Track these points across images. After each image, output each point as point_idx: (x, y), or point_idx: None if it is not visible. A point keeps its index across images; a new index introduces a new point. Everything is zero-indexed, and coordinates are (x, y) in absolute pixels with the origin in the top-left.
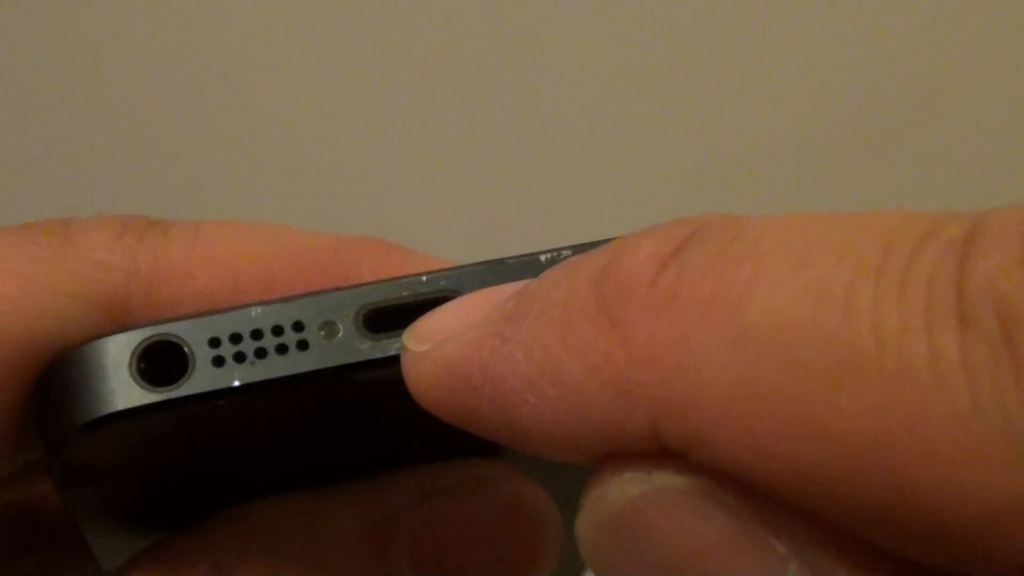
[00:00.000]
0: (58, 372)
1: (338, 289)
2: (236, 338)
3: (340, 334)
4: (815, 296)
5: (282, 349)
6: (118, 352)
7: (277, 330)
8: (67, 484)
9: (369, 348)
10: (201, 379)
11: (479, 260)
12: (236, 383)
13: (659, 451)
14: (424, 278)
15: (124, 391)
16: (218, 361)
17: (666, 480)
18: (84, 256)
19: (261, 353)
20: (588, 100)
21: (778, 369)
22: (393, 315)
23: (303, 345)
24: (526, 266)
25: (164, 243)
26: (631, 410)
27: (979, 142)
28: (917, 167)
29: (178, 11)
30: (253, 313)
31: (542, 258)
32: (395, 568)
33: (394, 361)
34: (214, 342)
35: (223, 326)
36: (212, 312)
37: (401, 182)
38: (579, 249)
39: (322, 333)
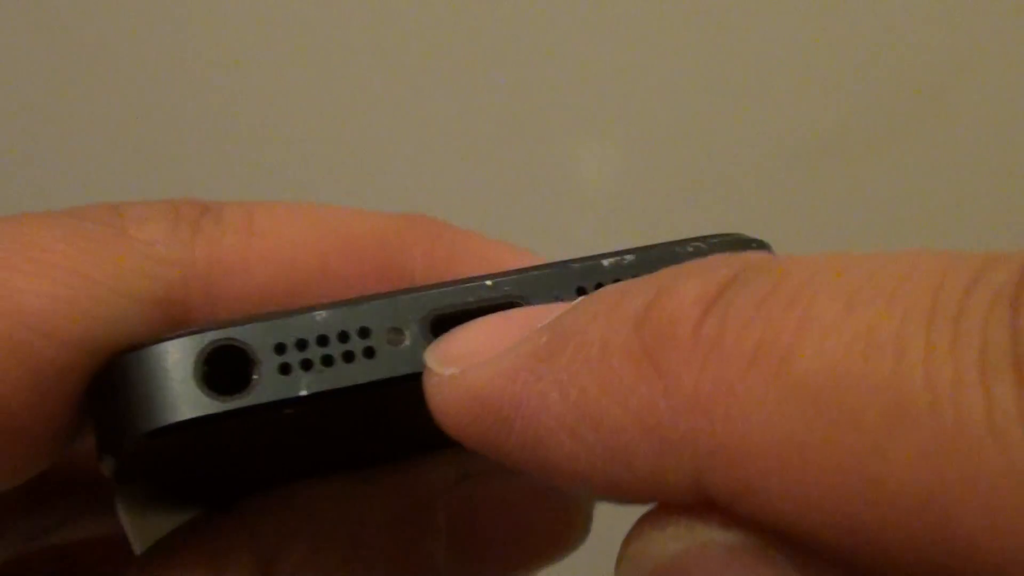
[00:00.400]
0: (118, 374)
1: (403, 292)
2: (302, 344)
3: (407, 341)
4: (865, 344)
5: (349, 357)
6: (182, 357)
7: (343, 336)
8: (121, 480)
9: None
10: (268, 388)
11: (541, 263)
12: (303, 392)
13: (702, 503)
14: (489, 282)
15: (189, 399)
16: (285, 368)
17: (710, 535)
18: (140, 251)
19: (328, 361)
20: (588, 100)
21: (829, 421)
22: (458, 321)
23: (369, 352)
24: (590, 271)
25: (218, 234)
26: (676, 460)
27: (980, 142)
28: (918, 167)
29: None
30: (318, 318)
31: (605, 263)
32: (433, 548)
33: None
34: (280, 348)
35: (289, 331)
36: (276, 315)
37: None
38: (641, 252)
39: (388, 340)
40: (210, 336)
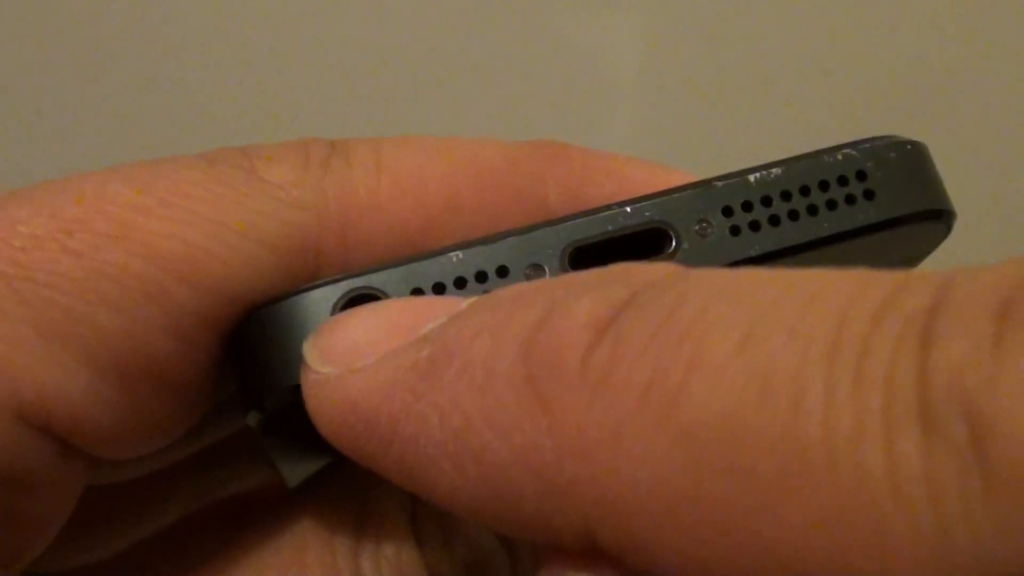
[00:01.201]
0: (257, 329)
1: (539, 226)
2: (439, 288)
3: (547, 277)
4: (760, 387)
5: None
6: (320, 308)
7: (481, 276)
8: (266, 431)
9: None
10: None
11: (682, 184)
12: None
13: (593, 550)
14: (628, 208)
15: None
16: None
17: None
18: (273, 195)
19: None
20: (588, 101)
21: (720, 474)
22: (598, 251)
23: None
24: (736, 188)
25: (349, 172)
26: (561, 507)
27: (980, 142)
28: None
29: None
30: (455, 259)
31: (751, 178)
32: None
33: None
34: (417, 293)
35: (426, 275)
36: (412, 259)
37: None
38: (789, 164)
39: (527, 278)
40: (346, 284)
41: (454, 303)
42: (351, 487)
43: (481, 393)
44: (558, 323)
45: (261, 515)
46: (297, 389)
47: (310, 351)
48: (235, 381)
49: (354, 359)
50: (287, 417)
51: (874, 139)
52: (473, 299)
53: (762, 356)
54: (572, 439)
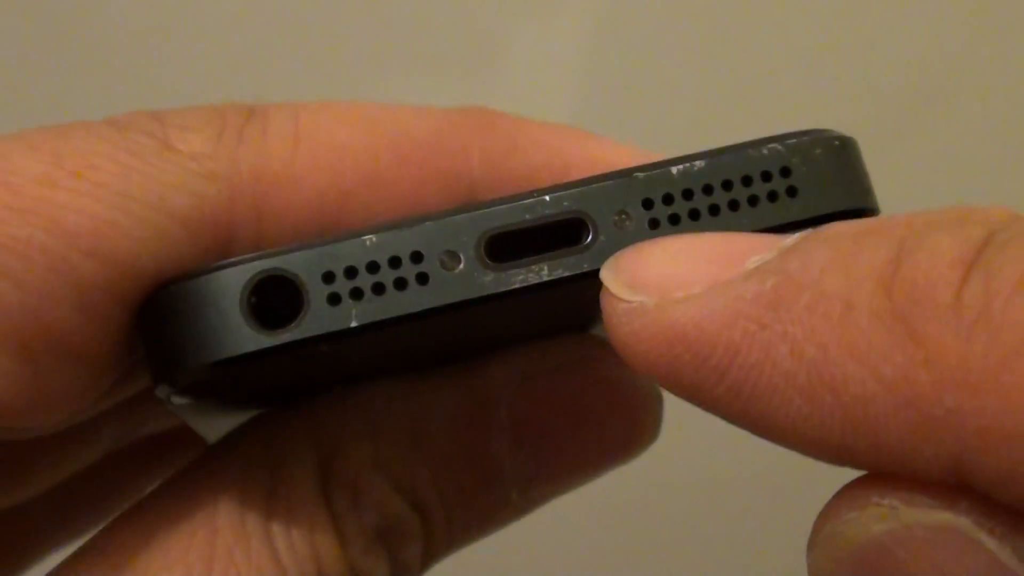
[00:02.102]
0: (165, 306)
1: (456, 212)
2: (351, 272)
3: (461, 265)
4: None
5: (400, 284)
6: (228, 288)
7: (394, 262)
8: (178, 401)
9: (493, 281)
10: (316, 319)
11: (607, 172)
12: (353, 324)
13: (955, 484)
14: (547, 198)
15: (236, 334)
16: (334, 299)
17: (916, 516)
18: (184, 166)
19: (379, 288)
20: (588, 101)
21: None
22: (515, 240)
23: (422, 278)
24: (657, 180)
25: (264, 143)
26: (936, 438)
27: (981, 142)
28: (918, 167)
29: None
30: (368, 243)
31: (673, 170)
32: (497, 445)
33: (516, 293)
34: (328, 277)
35: (337, 259)
36: (324, 241)
37: None
38: (713, 157)
39: (442, 264)
40: (256, 266)
41: (772, 239)
42: (259, 453)
43: (841, 325)
44: (922, 259)
45: (177, 458)
46: (210, 366)
47: (613, 281)
48: (144, 353)
49: (674, 288)
50: (199, 393)
51: (802, 133)
52: (798, 236)
53: None
54: (953, 371)
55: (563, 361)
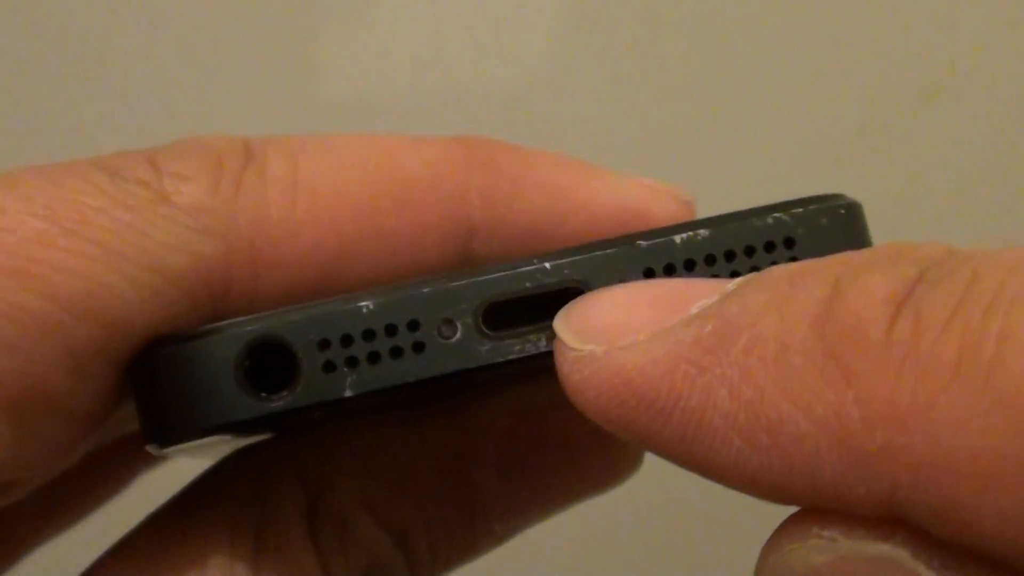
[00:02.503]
0: (158, 366)
1: (454, 279)
2: (347, 340)
3: (458, 334)
4: None
5: (397, 352)
6: (221, 353)
7: (391, 330)
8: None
9: (489, 351)
10: (310, 387)
11: (608, 239)
12: (347, 393)
13: (890, 519)
14: (548, 265)
15: (228, 400)
16: (328, 367)
17: (853, 548)
18: (182, 222)
19: (374, 357)
20: (588, 101)
21: None
22: (514, 308)
23: (419, 347)
24: (660, 249)
25: (263, 192)
26: (868, 475)
27: (980, 142)
28: (918, 166)
29: None
30: (364, 310)
31: (676, 239)
32: (482, 480)
33: (514, 363)
34: (324, 344)
35: (333, 326)
36: (319, 306)
37: None
38: (715, 227)
39: (439, 333)
40: (250, 331)
41: (714, 284)
42: (247, 491)
43: (776, 366)
44: (853, 298)
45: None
46: (202, 432)
47: (565, 330)
48: (136, 410)
49: (620, 336)
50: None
51: (808, 200)
52: (739, 280)
53: None
54: (882, 408)
55: (549, 398)
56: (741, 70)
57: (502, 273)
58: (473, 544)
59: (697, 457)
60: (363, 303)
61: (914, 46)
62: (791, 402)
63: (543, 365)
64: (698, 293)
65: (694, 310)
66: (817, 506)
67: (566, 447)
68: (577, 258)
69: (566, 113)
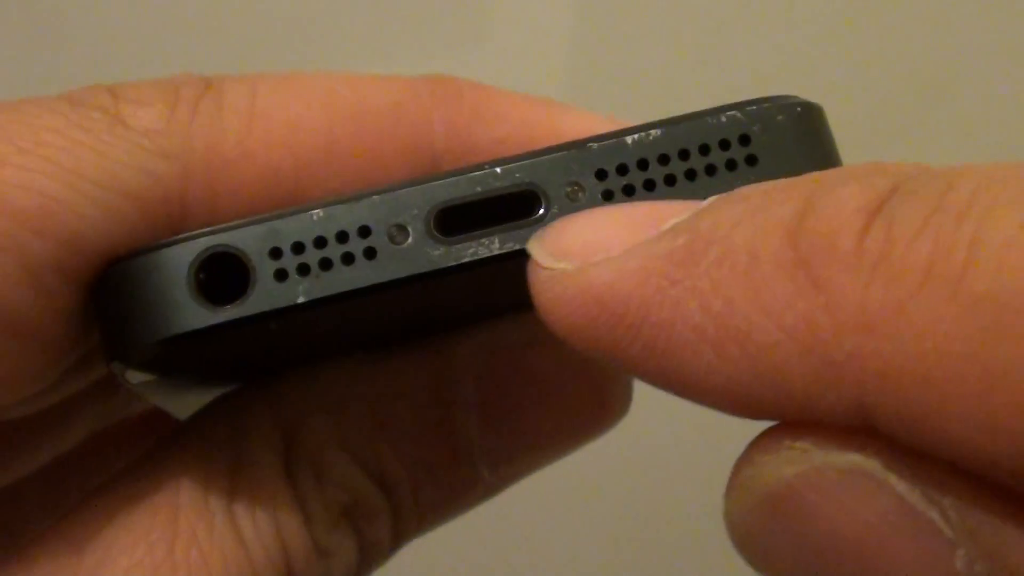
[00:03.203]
0: (115, 283)
1: (405, 185)
2: (299, 247)
3: (410, 239)
4: None
5: (348, 259)
6: (176, 265)
7: (342, 236)
8: (134, 378)
9: (442, 255)
10: (263, 295)
11: (559, 144)
12: (301, 300)
13: (861, 428)
14: (498, 169)
15: (184, 311)
16: (281, 275)
17: (826, 459)
18: (136, 142)
19: (326, 264)
20: (576, 74)
21: (1016, 341)
22: (466, 213)
23: (370, 253)
24: (612, 150)
25: (219, 117)
26: (836, 382)
27: (978, 143)
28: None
29: None
30: (315, 217)
31: (628, 140)
32: (464, 421)
33: (468, 268)
34: (275, 253)
35: (284, 234)
36: (271, 217)
37: None
38: (669, 126)
39: (391, 238)
40: (203, 243)
41: (689, 203)
42: (222, 431)
43: (746, 276)
44: (826, 209)
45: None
46: (158, 344)
47: (538, 250)
48: (98, 330)
49: (592, 254)
50: (157, 369)
51: (763, 100)
52: (714, 198)
53: None
54: (852, 315)
55: (529, 335)
56: (738, 71)
57: (452, 178)
58: (459, 489)
59: (667, 371)
60: (313, 211)
61: (913, 46)
62: (761, 312)
63: (508, 287)
64: (673, 211)
65: (667, 226)
66: (787, 418)
67: (548, 385)
68: (527, 162)
69: None
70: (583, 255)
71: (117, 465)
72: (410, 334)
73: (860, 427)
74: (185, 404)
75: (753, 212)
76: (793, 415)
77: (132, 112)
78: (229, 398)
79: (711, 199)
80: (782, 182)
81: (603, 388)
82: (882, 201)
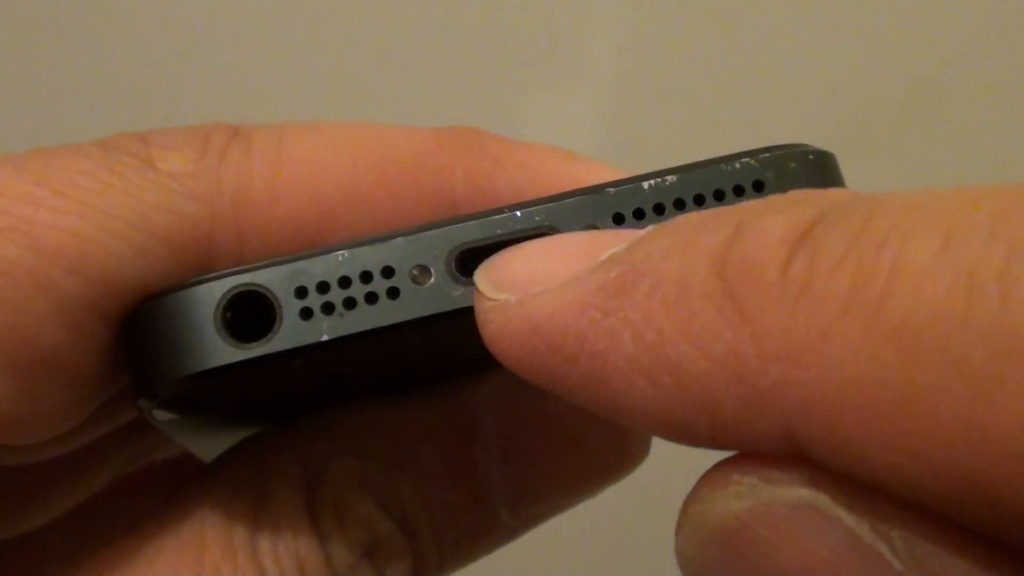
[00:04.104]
0: (143, 321)
1: (427, 228)
2: (323, 287)
3: (432, 280)
4: (966, 285)
5: (372, 298)
6: (203, 303)
7: (366, 277)
8: (161, 417)
9: (462, 295)
10: (289, 334)
11: (578, 188)
12: (325, 338)
13: (786, 454)
14: (519, 213)
15: (210, 348)
16: (306, 313)
17: (774, 493)
18: (165, 185)
19: (350, 303)
20: (586, 100)
21: (932, 368)
22: (487, 255)
23: (393, 293)
24: (628, 195)
25: (247, 162)
26: (764, 410)
27: (976, 144)
28: (914, 168)
29: None
30: (340, 258)
31: (645, 185)
32: (484, 463)
33: None
34: (301, 292)
35: (309, 274)
36: (297, 257)
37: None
38: (685, 172)
39: (413, 279)
40: (230, 282)
41: (627, 233)
42: (245, 472)
43: (676, 307)
44: (752, 239)
45: (178, 487)
46: (185, 380)
47: (483, 281)
48: (127, 367)
49: (534, 285)
50: (185, 407)
51: (777, 147)
52: (650, 227)
53: (966, 255)
54: (777, 344)
55: None
56: (735, 72)
57: (474, 221)
58: (481, 531)
59: (606, 400)
60: (339, 252)
61: (905, 48)
62: (690, 342)
63: None
64: (611, 241)
65: (604, 256)
66: (721, 446)
67: (569, 428)
68: (548, 205)
69: None
70: (524, 286)
71: (138, 512)
72: (432, 376)
73: (792, 454)
74: (211, 446)
75: (684, 242)
76: (728, 443)
77: (162, 156)
78: (253, 440)
79: (648, 228)
80: (714, 211)
81: (624, 431)
82: (807, 230)
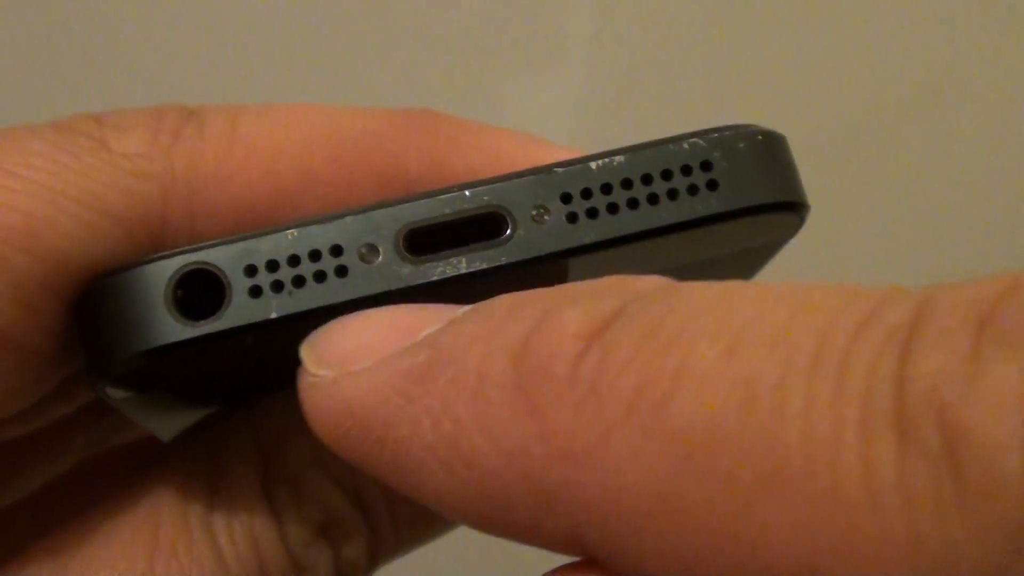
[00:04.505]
0: (95, 299)
1: (377, 207)
2: (273, 265)
3: (380, 258)
4: (743, 395)
5: (320, 276)
6: (154, 282)
7: (314, 255)
8: (114, 395)
9: (410, 273)
10: (238, 312)
11: (527, 169)
12: (273, 315)
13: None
14: (467, 192)
15: (161, 326)
16: (255, 291)
17: None
18: (118, 165)
19: (299, 281)
20: (564, 86)
21: (703, 480)
22: (435, 234)
23: (341, 271)
24: (576, 175)
25: (200, 143)
26: (551, 510)
27: (976, 144)
28: (911, 170)
29: None
30: (289, 237)
31: (592, 165)
32: None
33: (436, 286)
34: (250, 270)
35: (259, 252)
36: (247, 236)
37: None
38: (633, 152)
39: (361, 257)
40: (180, 260)
41: (451, 310)
42: (202, 451)
43: (473, 399)
44: (548, 332)
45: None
46: (135, 357)
47: (307, 354)
48: (80, 346)
49: (351, 362)
50: (142, 379)
51: (725, 128)
52: (469, 307)
53: (746, 365)
54: (561, 445)
55: None
56: (732, 75)
57: (422, 200)
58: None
59: (409, 488)
60: (288, 230)
61: (902, 53)
62: (484, 435)
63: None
64: (432, 320)
65: (420, 336)
66: (520, 540)
67: None
68: (495, 185)
69: None
70: (342, 363)
71: (105, 492)
72: None
73: (584, 555)
74: (169, 425)
75: (489, 330)
76: (527, 541)
77: (116, 137)
78: (210, 419)
79: (465, 309)
80: (528, 295)
81: None
82: (604, 325)
